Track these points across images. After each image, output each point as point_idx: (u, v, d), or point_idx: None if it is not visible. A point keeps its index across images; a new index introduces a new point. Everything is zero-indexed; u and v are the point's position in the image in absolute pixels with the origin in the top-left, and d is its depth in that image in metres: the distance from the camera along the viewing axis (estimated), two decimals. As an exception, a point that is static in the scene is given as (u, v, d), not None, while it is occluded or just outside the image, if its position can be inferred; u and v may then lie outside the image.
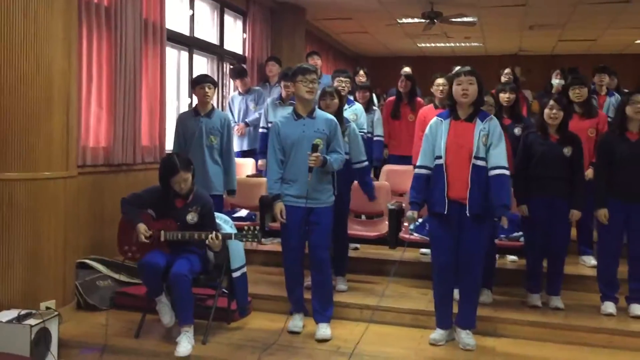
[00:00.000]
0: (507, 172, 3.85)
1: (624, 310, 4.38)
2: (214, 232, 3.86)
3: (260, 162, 6.19)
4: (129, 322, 4.27)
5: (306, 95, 4.04)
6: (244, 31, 8.24)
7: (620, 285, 4.47)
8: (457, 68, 4.07)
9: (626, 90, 7.37)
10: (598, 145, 4.62)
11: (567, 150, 4.43)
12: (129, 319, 4.33)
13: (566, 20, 9.99)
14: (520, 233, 4.76)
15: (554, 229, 4.45)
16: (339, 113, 4.56)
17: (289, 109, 5.89)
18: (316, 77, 4.10)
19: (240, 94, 7.04)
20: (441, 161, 3.87)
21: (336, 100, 4.62)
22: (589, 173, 4.92)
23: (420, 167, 3.98)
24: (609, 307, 4.39)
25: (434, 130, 3.96)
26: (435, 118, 4.05)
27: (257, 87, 7.16)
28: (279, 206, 4.05)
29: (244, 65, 7.80)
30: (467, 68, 3.93)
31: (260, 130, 6.21)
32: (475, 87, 3.86)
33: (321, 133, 4.04)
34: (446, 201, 3.84)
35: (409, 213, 3.98)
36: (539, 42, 12.29)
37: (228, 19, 7.88)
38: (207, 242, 3.85)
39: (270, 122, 6.05)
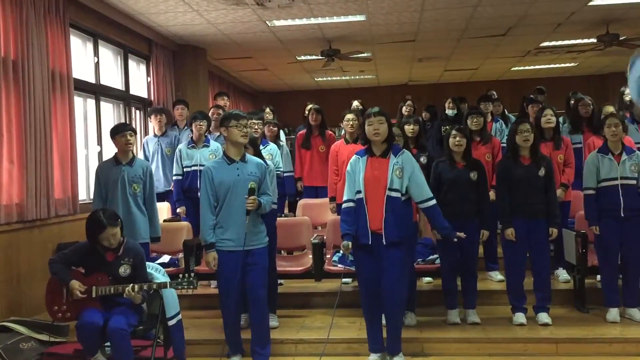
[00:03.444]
0: (434, 202, 4.17)
1: (533, 319, 4.81)
2: (130, 285, 3.81)
3: (179, 209, 6.16)
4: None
5: (241, 140, 4.15)
6: (148, 75, 8.22)
7: (527, 296, 4.90)
8: (368, 110, 4.34)
9: (510, 115, 8.12)
10: (497, 171, 5.09)
11: (473, 175, 4.85)
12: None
13: (451, 52, 10.81)
14: (436, 255, 5.12)
15: (467, 249, 4.82)
16: (257, 155, 4.64)
17: (204, 152, 6.02)
18: (247, 122, 4.25)
19: (155, 135, 6.97)
20: (361, 195, 4.12)
21: None
22: (491, 195, 5.38)
23: (347, 201, 4.20)
24: (520, 317, 4.81)
25: (354, 167, 4.21)
26: (354, 156, 4.29)
27: (173, 132, 7.04)
28: (212, 255, 4.12)
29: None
30: (376, 109, 4.20)
31: (175, 177, 6.15)
32: (385, 126, 4.14)
33: (254, 176, 4.16)
34: (369, 232, 4.09)
35: (345, 243, 4.13)
36: (426, 72, 13.13)
37: (132, 63, 7.84)
38: (124, 295, 3.81)
39: (186, 167, 6.08)
